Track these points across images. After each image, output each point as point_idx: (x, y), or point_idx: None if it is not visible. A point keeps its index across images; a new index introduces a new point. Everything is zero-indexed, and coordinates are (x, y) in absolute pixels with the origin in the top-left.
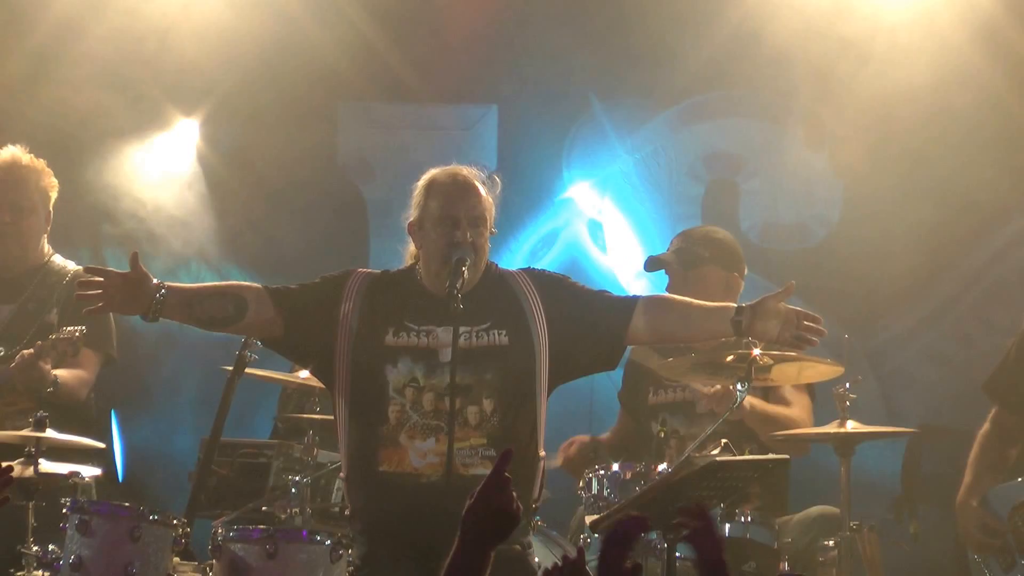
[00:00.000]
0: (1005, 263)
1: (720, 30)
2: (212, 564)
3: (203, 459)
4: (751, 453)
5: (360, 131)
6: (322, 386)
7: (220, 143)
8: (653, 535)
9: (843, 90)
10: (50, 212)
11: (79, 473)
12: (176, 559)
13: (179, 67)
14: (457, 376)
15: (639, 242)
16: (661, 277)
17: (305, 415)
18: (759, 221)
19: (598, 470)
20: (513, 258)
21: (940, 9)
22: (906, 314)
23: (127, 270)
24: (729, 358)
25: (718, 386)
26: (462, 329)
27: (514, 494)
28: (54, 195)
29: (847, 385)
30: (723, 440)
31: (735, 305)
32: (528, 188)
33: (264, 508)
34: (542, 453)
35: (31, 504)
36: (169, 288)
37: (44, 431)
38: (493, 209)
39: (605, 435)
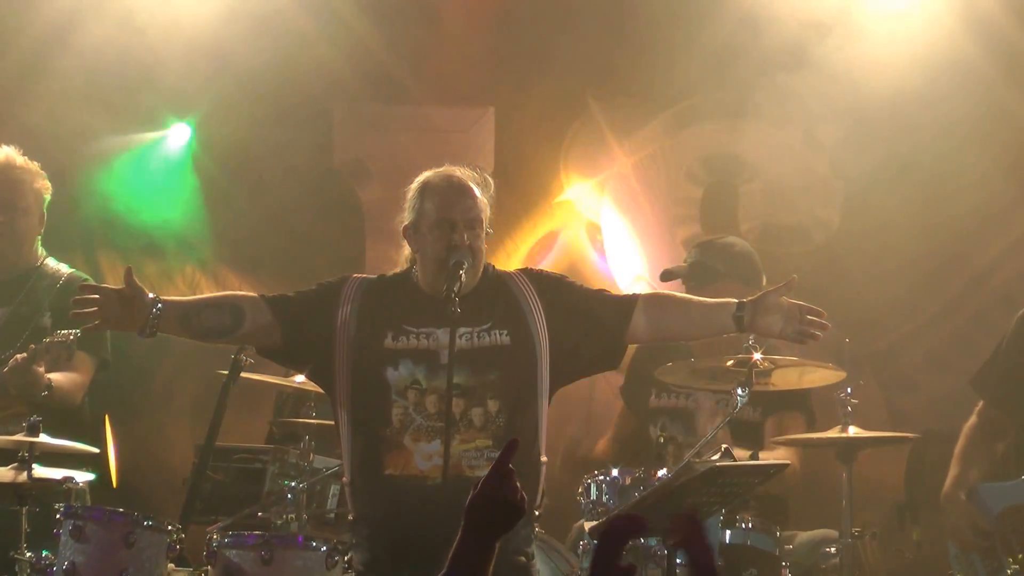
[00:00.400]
0: (1009, 266)
1: (719, 30)
2: (207, 570)
3: (198, 464)
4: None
5: (356, 133)
6: (317, 390)
7: (215, 145)
8: (653, 541)
9: (843, 91)
10: (44, 214)
11: (73, 478)
12: (171, 565)
13: (173, 69)
14: (460, 377)
15: (638, 245)
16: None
17: (301, 420)
18: (758, 223)
19: (597, 475)
20: (510, 261)
21: (942, 10)
22: (908, 318)
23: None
24: (729, 363)
25: None
26: (463, 330)
27: (518, 484)
28: (48, 197)
29: (848, 390)
30: (723, 445)
31: (736, 301)
32: (525, 190)
33: (259, 514)
34: (544, 458)
35: (24, 509)
36: (165, 302)
37: (37, 436)
38: (488, 209)
39: (603, 441)
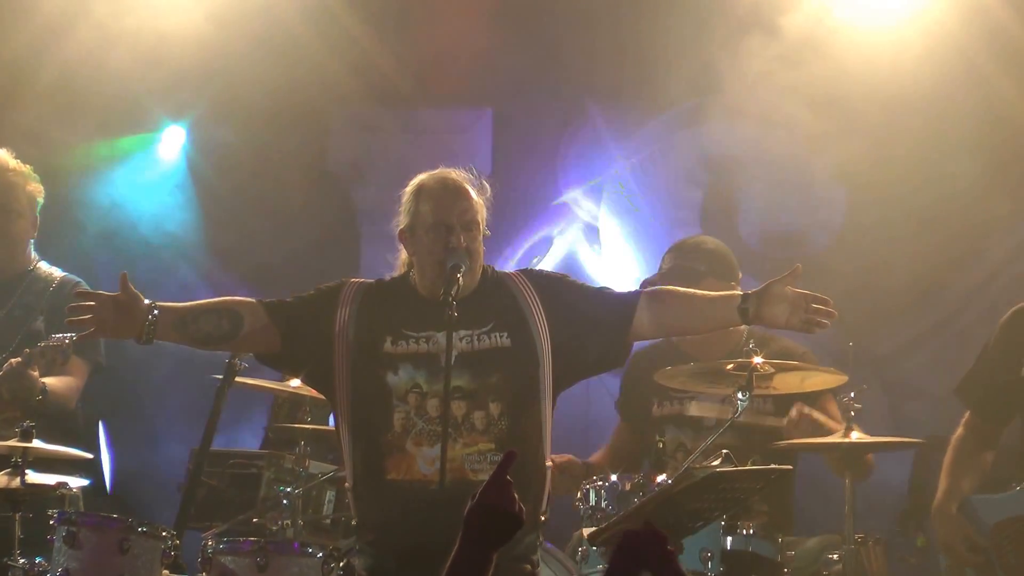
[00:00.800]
0: (1015, 268)
1: (718, 31)
2: None
3: (193, 470)
4: (753, 464)
5: (351, 135)
6: (313, 395)
7: (209, 148)
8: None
9: (845, 92)
10: (36, 217)
11: (67, 484)
12: (166, 572)
13: (167, 71)
14: (461, 380)
15: (636, 248)
16: None
17: (296, 425)
18: (759, 227)
19: (596, 481)
20: (507, 264)
21: (945, 11)
22: (913, 322)
23: (117, 289)
24: (729, 367)
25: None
26: (463, 332)
27: (516, 495)
28: (41, 200)
29: (852, 394)
30: (724, 451)
31: (741, 293)
32: (523, 193)
33: (255, 520)
34: (549, 463)
35: (18, 516)
36: (161, 308)
37: (31, 441)
38: (484, 211)
39: (599, 453)
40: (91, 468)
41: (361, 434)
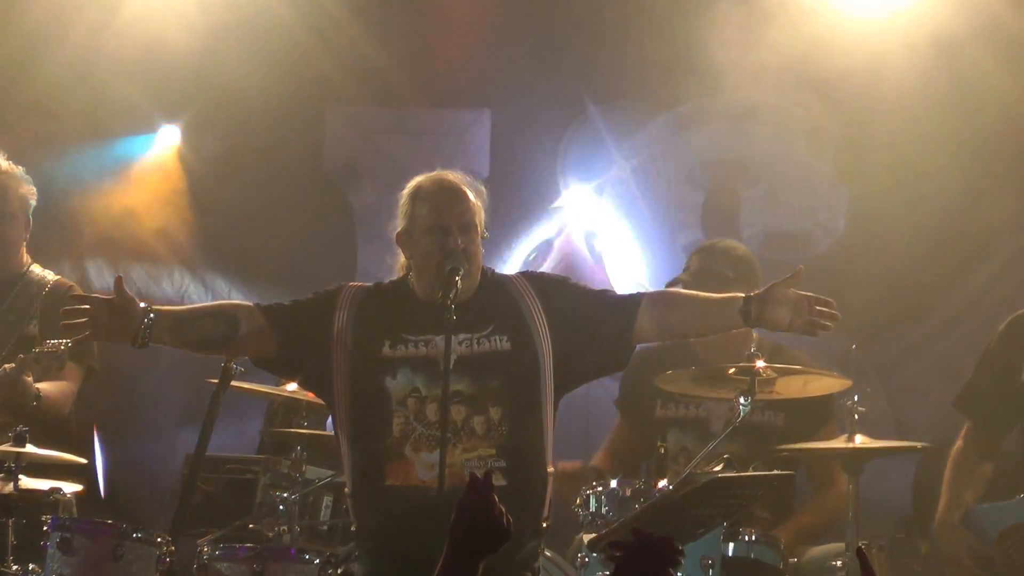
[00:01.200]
0: (1020, 272)
1: (719, 31)
2: None
3: (188, 475)
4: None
5: (347, 136)
6: (309, 399)
7: (203, 148)
8: None
9: (848, 93)
10: (29, 219)
11: (60, 490)
12: None
13: (162, 70)
14: (460, 385)
15: (637, 251)
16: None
17: (293, 429)
18: (761, 229)
19: (596, 487)
20: (506, 268)
21: (947, 11)
22: (916, 326)
23: (111, 293)
24: (732, 371)
25: None
26: (462, 336)
27: (496, 501)
28: (33, 202)
29: (856, 397)
30: (725, 456)
31: (742, 295)
32: (522, 195)
33: (251, 526)
34: (551, 468)
35: (11, 522)
36: (157, 312)
37: (24, 446)
38: (483, 213)
39: (598, 456)
40: (85, 473)
41: (360, 439)
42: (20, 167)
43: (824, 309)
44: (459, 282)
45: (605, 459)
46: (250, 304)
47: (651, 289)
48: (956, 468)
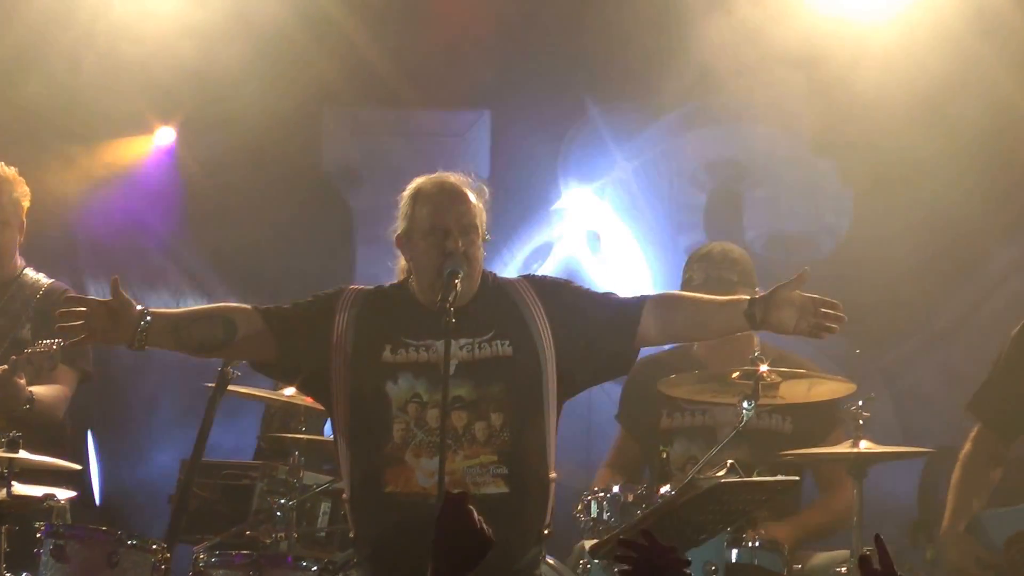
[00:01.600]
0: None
1: (722, 31)
2: None
3: (184, 481)
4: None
5: (346, 137)
6: (306, 404)
7: (199, 149)
8: None
9: (852, 94)
10: (23, 223)
11: (54, 496)
12: None
13: (158, 71)
14: (462, 390)
15: (639, 253)
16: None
17: (290, 435)
18: (764, 231)
19: (597, 492)
20: (506, 270)
21: (952, 10)
22: (921, 329)
23: (108, 295)
24: (735, 375)
25: None
26: (463, 341)
27: (474, 513)
28: (27, 205)
29: (860, 403)
30: (729, 461)
31: (747, 297)
32: (522, 197)
33: (247, 532)
34: (553, 475)
35: (3, 528)
36: (154, 314)
37: (17, 452)
38: (484, 215)
39: (602, 472)
40: (79, 479)
41: (359, 445)
42: (13, 168)
43: (830, 311)
44: (459, 285)
45: (609, 475)
46: (249, 307)
47: (654, 292)
48: (964, 474)
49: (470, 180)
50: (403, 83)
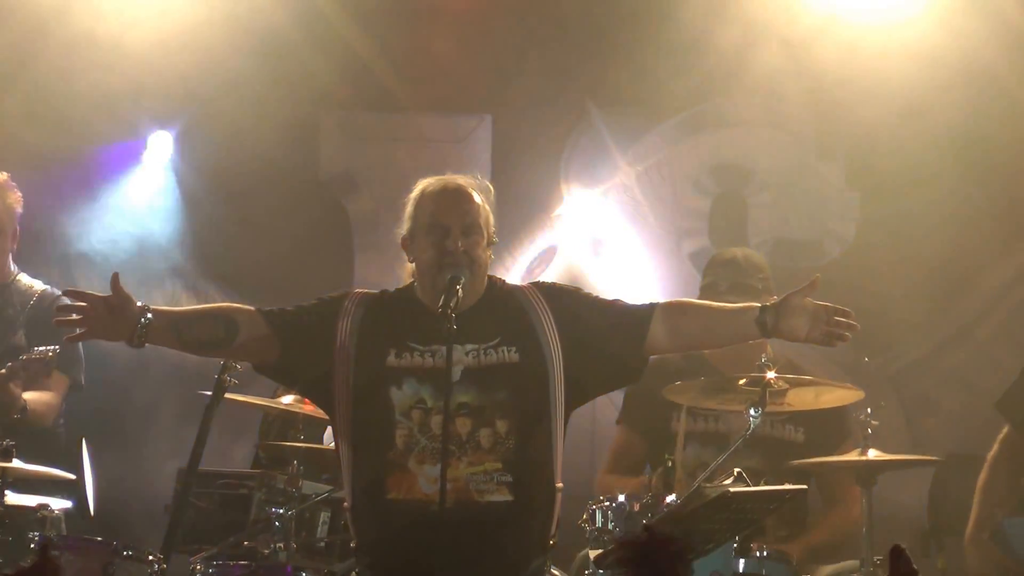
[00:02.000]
0: None
1: (725, 35)
2: None
3: (180, 491)
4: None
5: (344, 142)
6: (306, 412)
7: (196, 155)
8: None
9: (857, 97)
10: (16, 229)
11: (48, 506)
12: None
13: (154, 75)
14: (467, 396)
15: (642, 259)
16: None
17: (288, 443)
18: (769, 237)
19: (603, 501)
20: (508, 276)
21: (957, 12)
22: (929, 335)
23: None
24: (742, 382)
25: None
26: (470, 347)
27: None
28: (19, 210)
29: (868, 411)
30: (736, 469)
31: (758, 305)
32: (524, 203)
33: (245, 543)
34: (559, 484)
35: None
36: (155, 312)
37: (10, 461)
38: (491, 217)
39: (604, 478)
40: (73, 489)
41: (361, 451)
42: (5, 173)
43: (842, 320)
44: (460, 291)
45: (612, 480)
46: (252, 308)
47: (660, 299)
48: (991, 478)
49: (477, 181)
50: (402, 87)
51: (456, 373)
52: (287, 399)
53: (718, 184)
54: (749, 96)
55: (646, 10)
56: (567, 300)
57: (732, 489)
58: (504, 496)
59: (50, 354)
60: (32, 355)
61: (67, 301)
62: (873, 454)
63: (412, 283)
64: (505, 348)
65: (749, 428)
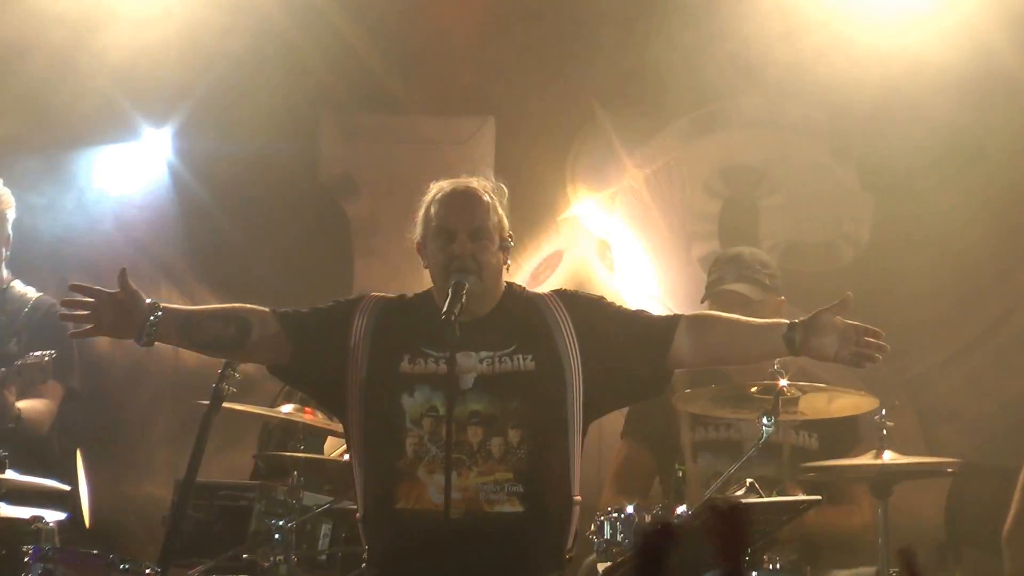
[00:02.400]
0: None
1: (736, 34)
2: None
3: (178, 502)
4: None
5: (344, 145)
6: (305, 422)
7: (193, 157)
8: None
9: (870, 98)
10: (9, 234)
11: (42, 518)
12: None
13: (150, 74)
14: (479, 405)
15: (651, 264)
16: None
17: (288, 453)
18: (782, 240)
19: (611, 513)
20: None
21: (975, 13)
22: (946, 341)
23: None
24: (754, 389)
25: None
26: (484, 354)
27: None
28: (12, 215)
29: (883, 412)
30: (748, 480)
31: (786, 321)
32: (529, 206)
33: (245, 556)
34: (577, 497)
35: None
36: (165, 309)
37: (4, 472)
38: (504, 221)
39: (608, 494)
40: (68, 501)
41: (372, 460)
42: None
43: (872, 340)
44: (465, 297)
45: (615, 497)
46: (265, 309)
47: (664, 306)
48: None
49: (490, 183)
50: (403, 88)
51: (469, 380)
52: (287, 408)
53: (729, 186)
54: (760, 97)
55: (653, 10)
56: (588, 309)
57: (745, 500)
58: (514, 507)
59: (46, 360)
60: (27, 360)
61: (71, 299)
62: (889, 456)
63: (430, 288)
64: (521, 356)
65: (762, 438)
